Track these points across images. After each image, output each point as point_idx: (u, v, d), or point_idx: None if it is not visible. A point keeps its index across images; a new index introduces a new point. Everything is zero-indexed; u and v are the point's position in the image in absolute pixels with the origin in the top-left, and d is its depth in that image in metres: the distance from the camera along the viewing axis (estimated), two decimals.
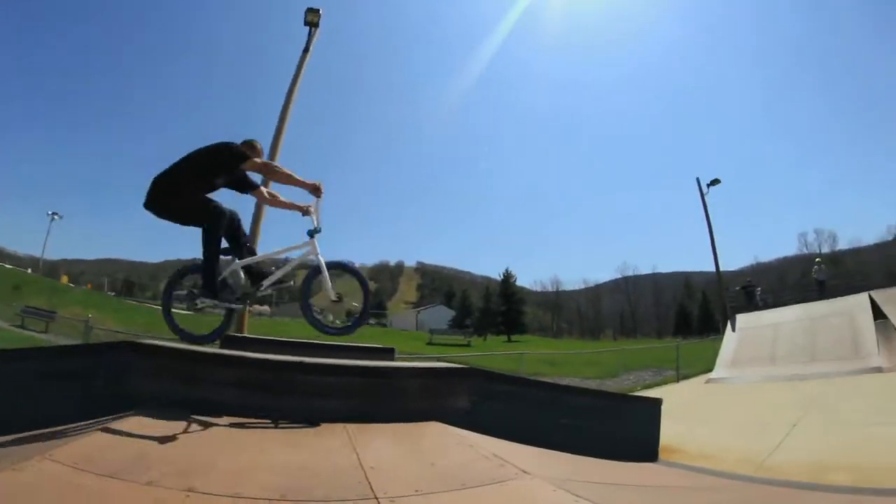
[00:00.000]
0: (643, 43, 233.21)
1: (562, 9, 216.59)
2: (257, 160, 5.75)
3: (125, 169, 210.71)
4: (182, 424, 4.36)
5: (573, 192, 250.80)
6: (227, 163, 5.67)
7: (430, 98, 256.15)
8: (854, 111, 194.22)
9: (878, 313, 19.77)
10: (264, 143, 15.47)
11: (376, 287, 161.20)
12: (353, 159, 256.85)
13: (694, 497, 5.30)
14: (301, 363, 5.75)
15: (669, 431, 9.77)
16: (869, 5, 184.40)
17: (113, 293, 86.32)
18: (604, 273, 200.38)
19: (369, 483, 3.32)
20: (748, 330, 23.72)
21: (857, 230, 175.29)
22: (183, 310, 6.41)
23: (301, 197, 6.30)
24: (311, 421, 5.05)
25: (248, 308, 5.80)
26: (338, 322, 6.49)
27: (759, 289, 31.98)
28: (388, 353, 6.89)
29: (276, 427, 4.85)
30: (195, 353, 5.67)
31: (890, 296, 20.79)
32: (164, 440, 3.89)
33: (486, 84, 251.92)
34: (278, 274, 6.15)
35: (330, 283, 5.99)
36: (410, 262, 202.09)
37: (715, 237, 31.48)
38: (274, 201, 6.49)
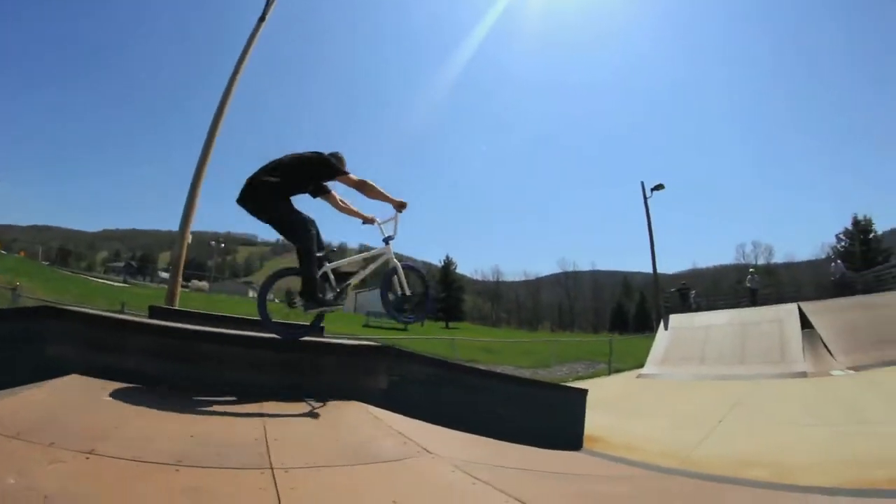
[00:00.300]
0: (600, 48, 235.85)
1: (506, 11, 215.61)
2: (353, 176, 6.04)
3: (63, 132, 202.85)
4: (96, 391, 4.38)
5: (519, 186, 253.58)
6: (323, 174, 6.10)
7: (390, 83, 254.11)
8: (801, 137, 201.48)
9: (805, 323, 20.39)
10: (209, 113, 14.88)
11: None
12: (309, 135, 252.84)
13: (606, 485, 5.43)
14: (220, 334, 5.84)
15: (598, 423, 9.95)
16: (825, 36, 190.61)
17: (47, 262, 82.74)
18: (545, 267, 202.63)
19: (269, 454, 3.36)
20: (680, 330, 24.09)
21: (793, 246, 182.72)
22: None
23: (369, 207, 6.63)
24: (228, 393, 5.11)
25: (336, 307, 6.17)
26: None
27: (693, 292, 32.49)
28: (316, 331, 6.66)
29: (190, 397, 4.83)
30: (117, 321, 5.74)
31: (817, 307, 21.50)
32: (74, 405, 3.93)
33: (443, 76, 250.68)
34: (361, 275, 6.60)
35: (405, 281, 6.39)
36: (353, 244, 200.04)
37: (655, 240, 32.02)
38: (344, 208, 6.69)
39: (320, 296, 5.93)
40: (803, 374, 17.01)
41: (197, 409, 4.49)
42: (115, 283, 58.37)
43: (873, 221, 67.49)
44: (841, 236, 70.14)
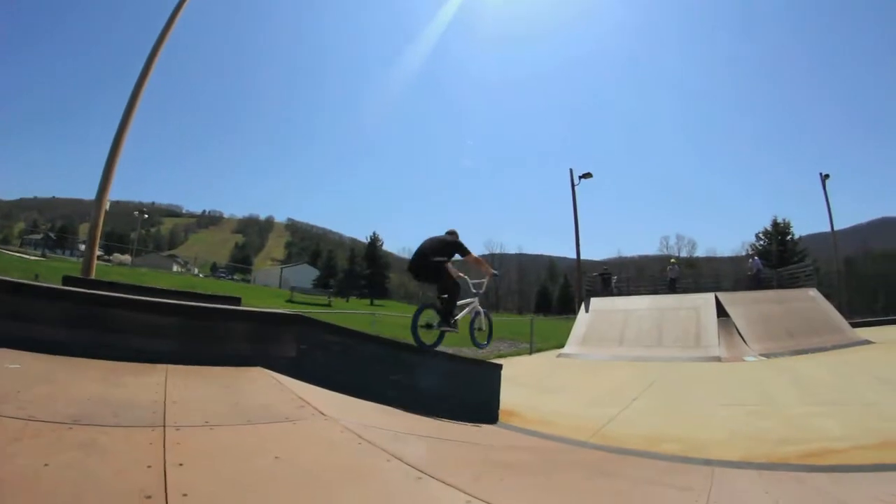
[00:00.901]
0: (536, 40, 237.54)
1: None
2: (473, 254, 8.92)
3: None
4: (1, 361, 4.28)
5: (449, 166, 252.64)
6: (459, 253, 8.77)
7: (329, 60, 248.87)
8: (731, 138, 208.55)
9: (721, 312, 21.18)
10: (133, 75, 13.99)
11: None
12: (246, 107, 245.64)
13: (512, 454, 5.58)
14: (125, 299, 5.78)
15: (516, 398, 10.24)
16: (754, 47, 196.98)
17: None
18: (472, 247, 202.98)
19: (164, 414, 3.40)
20: (601, 313, 24.42)
21: (715, 242, 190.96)
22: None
23: None
24: (133, 359, 5.10)
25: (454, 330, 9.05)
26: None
27: (615, 277, 32.82)
28: (232, 301, 6.38)
29: (95, 363, 4.79)
30: (21, 286, 5.56)
31: (733, 298, 22.39)
32: None
33: (381, 52, 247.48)
34: (465, 311, 9.10)
35: (483, 321, 9.56)
36: (281, 219, 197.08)
37: (582, 228, 32.82)
38: (457, 270, 8.97)
39: (451, 321, 8.53)
40: (718, 359, 17.77)
41: (100, 375, 4.43)
42: (32, 257, 54.86)
43: (792, 225, 70.60)
44: (760, 235, 72.74)
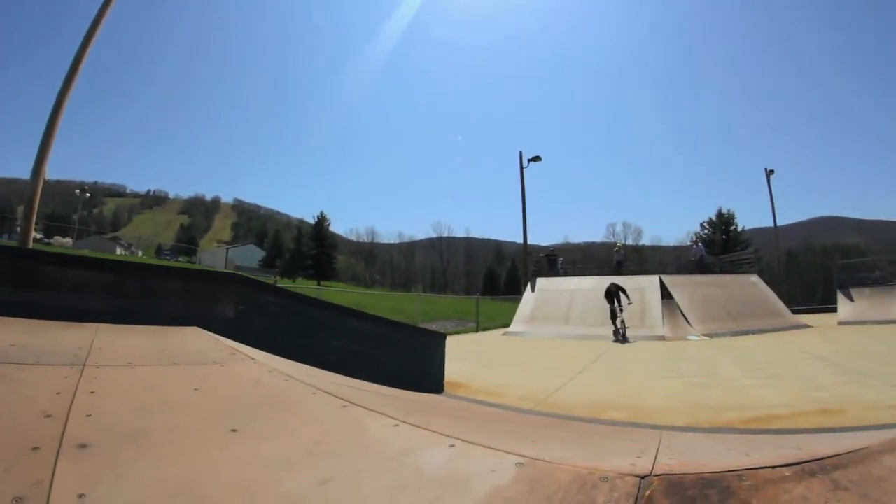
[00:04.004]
0: (504, 19, 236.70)
1: None
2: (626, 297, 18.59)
3: None
4: None
5: (400, 149, 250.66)
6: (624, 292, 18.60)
7: (281, 34, 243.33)
8: (680, 133, 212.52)
9: (665, 294, 21.59)
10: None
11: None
12: (193, 84, 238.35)
13: (449, 412, 5.02)
14: (52, 254, 6.05)
15: (462, 372, 10.30)
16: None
17: None
18: (419, 230, 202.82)
19: (87, 356, 3.28)
20: (547, 292, 24.63)
21: (661, 231, 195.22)
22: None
23: None
24: (63, 318, 4.91)
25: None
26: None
27: (561, 259, 32.89)
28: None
29: (21, 319, 4.61)
30: None
31: (677, 281, 22.95)
32: None
33: (335, 28, 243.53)
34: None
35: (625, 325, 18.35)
36: (227, 199, 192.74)
37: (530, 213, 32.86)
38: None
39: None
40: (662, 338, 18.30)
41: (23, 329, 4.27)
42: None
43: (736, 216, 72.66)
44: (705, 224, 74.64)
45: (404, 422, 2.38)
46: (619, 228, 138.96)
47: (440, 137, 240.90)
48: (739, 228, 72.22)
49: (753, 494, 1.35)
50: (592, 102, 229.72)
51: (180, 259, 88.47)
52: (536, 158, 34.18)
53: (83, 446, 1.56)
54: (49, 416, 1.87)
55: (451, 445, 2.00)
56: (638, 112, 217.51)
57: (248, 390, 3.07)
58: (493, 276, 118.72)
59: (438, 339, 9.29)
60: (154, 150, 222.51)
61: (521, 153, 34.60)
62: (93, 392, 2.27)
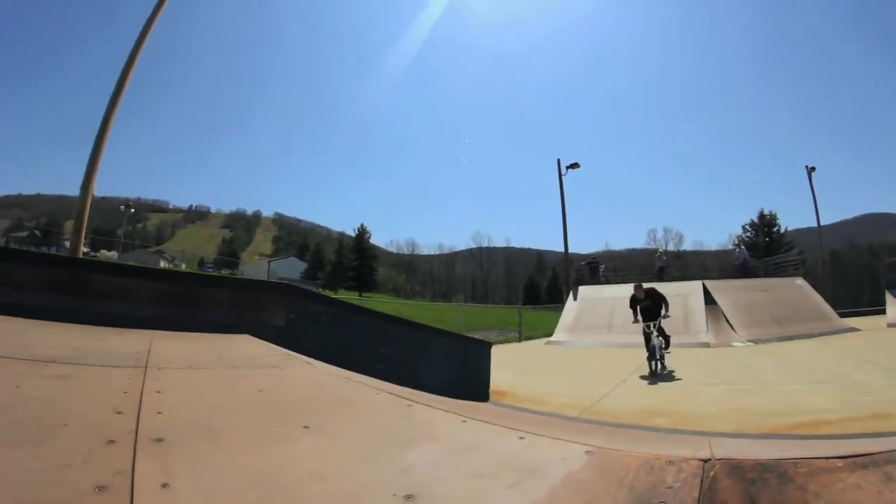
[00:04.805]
0: (534, 25, 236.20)
1: None
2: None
3: None
4: None
5: (437, 159, 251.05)
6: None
7: (322, 57, 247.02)
8: (719, 136, 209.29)
9: (709, 299, 21.03)
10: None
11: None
12: (232, 102, 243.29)
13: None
14: (109, 264, 6.16)
15: (506, 381, 10.20)
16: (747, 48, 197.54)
17: None
18: (460, 241, 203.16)
19: (147, 359, 3.36)
20: (589, 300, 24.33)
21: (702, 235, 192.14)
22: None
23: None
24: (118, 325, 5.02)
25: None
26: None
27: (602, 266, 32.50)
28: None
29: (79, 324, 4.76)
30: (4, 252, 5.77)
31: (721, 286, 22.34)
32: None
33: (371, 45, 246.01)
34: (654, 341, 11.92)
35: (662, 347, 12.10)
36: (268, 213, 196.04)
37: (570, 222, 32.40)
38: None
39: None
40: (706, 345, 17.66)
41: (80, 334, 4.37)
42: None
43: (778, 217, 71.07)
44: (747, 227, 73.08)
45: (471, 418, 2.42)
46: (660, 234, 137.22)
47: (477, 147, 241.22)
48: (782, 230, 70.55)
49: (809, 480, 1.41)
50: (628, 107, 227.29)
51: (223, 271, 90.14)
52: (574, 165, 33.75)
53: (159, 440, 1.60)
54: (120, 412, 1.93)
55: (521, 437, 2.08)
56: (674, 115, 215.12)
57: (312, 391, 3.12)
58: (533, 286, 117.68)
59: (484, 348, 9.35)
60: (195, 167, 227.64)
61: (558, 160, 34.09)
62: (159, 392, 2.34)
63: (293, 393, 3.04)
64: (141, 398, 2.20)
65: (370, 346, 7.00)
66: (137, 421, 1.81)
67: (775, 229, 69.61)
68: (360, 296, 63.65)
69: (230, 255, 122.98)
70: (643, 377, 11.04)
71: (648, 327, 12.17)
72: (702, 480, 1.37)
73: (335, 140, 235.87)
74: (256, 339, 5.26)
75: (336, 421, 2.37)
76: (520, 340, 23.42)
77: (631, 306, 12.72)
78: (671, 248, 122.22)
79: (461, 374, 8.33)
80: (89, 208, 13.24)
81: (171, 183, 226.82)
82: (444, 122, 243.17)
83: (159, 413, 1.96)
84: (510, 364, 13.71)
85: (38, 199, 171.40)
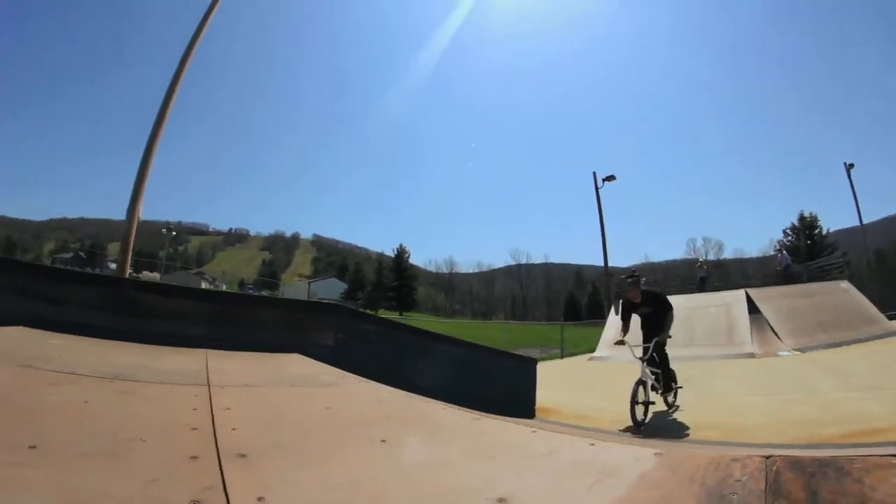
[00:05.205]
0: (564, 38, 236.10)
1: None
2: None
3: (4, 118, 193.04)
4: (41, 336, 4.46)
5: (473, 179, 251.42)
6: None
7: (353, 80, 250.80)
8: (750, 141, 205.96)
9: (752, 308, 20.49)
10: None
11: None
12: (269, 126, 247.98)
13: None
14: (164, 286, 6.22)
15: (551, 397, 10.01)
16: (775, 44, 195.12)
17: None
18: (498, 258, 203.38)
19: (207, 376, 3.44)
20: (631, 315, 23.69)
21: (742, 242, 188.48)
22: None
23: None
24: (171, 344, 5.15)
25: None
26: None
27: (643, 279, 31.84)
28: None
29: (134, 342, 4.91)
30: (58, 272, 5.95)
31: (764, 293, 21.72)
32: (17, 341, 4.03)
33: (402, 67, 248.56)
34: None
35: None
36: (307, 235, 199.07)
37: (608, 235, 32.10)
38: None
39: None
40: (751, 355, 17.20)
41: (137, 351, 4.50)
42: None
43: (819, 219, 69.72)
44: (788, 231, 71.81)
45: (540, 429, 2.50)
46: (699, 243, 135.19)
47: (513, 163, 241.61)
48: (824, 232, 69.14)
49: (865, 474, 1.48)
50: (659, 116, 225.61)
51: (263, 292, 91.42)
52: (611, 178, 33.72)
53: (242, 455, 1.62)
54: (195, 428, 1.96)
55: (592, 444, 2.16)
56: (707, 122, 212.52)
57: (378, 407, 3.15)
58: (573, 301, 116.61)
59: (529, 364, 9.39)
60: (234, 190, 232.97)
61: (594, 174, 34.07)
62: (228, 409, 2.36)
63: (360, 409, 3.07)
64: (212, 415, 2.23)
65: (418, 365, 7.06)
66: (215, 437, 1.84)
67: (816, 231, 68.21)
68: (401, 315, 64.01)
69: (270, 276, 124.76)
70: (624, 430, 7.67)
71: (645, 352, 8.25)
72: (766, 474, 1.49)
73: (370, 162, 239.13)
74: (307, 359, 5.34)
75: (411, 434, 2.43)
76: (562, 357, 23.24)
77: (622, 316, 8.85)
78: (711, 257, 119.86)
79: (507, 391, 8.39)
80: (136, 224, 13.85)
81: (211, 206, 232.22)
82: (478, 141, 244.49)
83: (234, 429, 1.98)
84: (553, 381, 13.60)
85: (82, 222, 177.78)
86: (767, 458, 1.57)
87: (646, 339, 8.42)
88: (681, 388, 9.10)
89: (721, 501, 1.39)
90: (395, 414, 2.99)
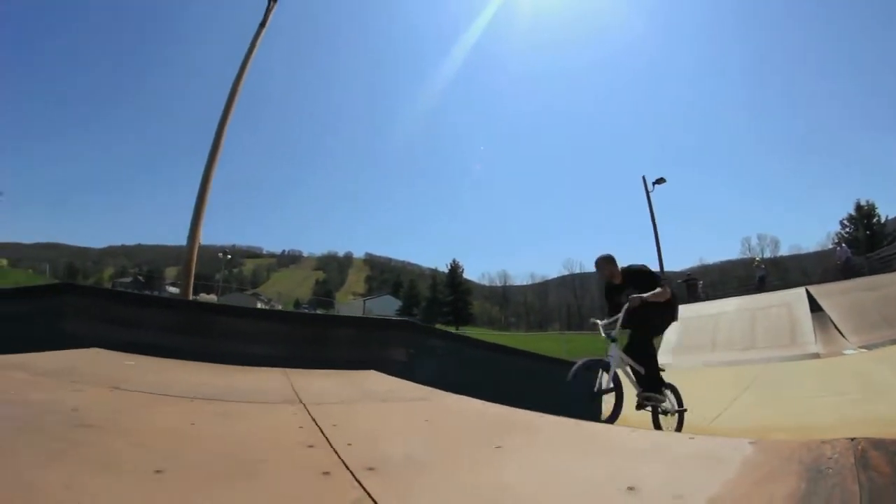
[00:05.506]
0: (602, 42, 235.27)
1: (530, 9, 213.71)
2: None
3: (65, 152, 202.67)
4: (118, 357, 4.52)
5: (523, 190, 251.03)
6: None
7: (395, 94, 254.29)
8: (802, 133, 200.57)
9: (814, 306, 19.96)
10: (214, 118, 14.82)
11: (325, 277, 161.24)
12: (311, 151, 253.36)
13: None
14: (234, 308, 6.33)
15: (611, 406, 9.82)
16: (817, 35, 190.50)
17: (56, 280, 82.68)
18: (551, 269, 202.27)
19: (296, 394, 3.45)
20: (690, 320, 23.12)
21: (799, 237, 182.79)
22: None
23: None
24: (246, 363, 5.24)
25: None
26: None
27: (700, 282, 32.10)
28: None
29: (211, 364, 4.98)
30: (134, 297, 6.22)
31: (826, 290, 21.22)
32: (97, 362, 4.05)
33: (440, 76, 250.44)
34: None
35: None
36: (359, 254, 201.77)
37: (661, 238, 31.61)
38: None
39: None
40: (816, 356, 16.69)
41: (215, 372, 4.58)
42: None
43: (876, 206, 67.90)
44: (845, 222, 70.07)
45: (636, 430, 2.65)
46: (754, 242, 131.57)
47: (561, 174, 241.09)
48: (882, 220, 67.10)
49: None
50: (701, 115, 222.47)
51: (318, 311, 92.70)
52: (661, 181, 33.08)
53: (371, 469, 1.62)
54: (311, 445, 1.96)
55: (691, 438, 2.31)
56: (753, 115, 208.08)
57: (477, 417, 3.15)
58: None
59: (596, 373, 9.51)
60: (286, 213, 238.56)
61: (643, 178, 33.46)
62: (335, 425, 2.34)
63: (460, 420, 3.09)
64: (321, 432, 2.22)
65: (491, 377, 7.04)
66: (336, 453, 1.84)
67: (875, 220, 66.11)
68: (457, 329, 64.38)
69: (325, 295, 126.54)
70: None
71: (612, 326, 6.54)
72: (854, 452, 1.72)
73: (418, 178, 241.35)
74: (384, 375, 5.36)
75: (522, 439, 2.46)
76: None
77: (606, 296, 7.23)
78: (767, 254, 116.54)
79: (580, 400, 8.53)
80: (195, 257, 14.54)
81: (264, 230, 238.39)
82: (523, 150, 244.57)
83: (350, 445, 1.97)
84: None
85: (139, 248, 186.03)
86: (852, 440, 1.79)
87: (633, 333, 6.71)
88: (686, 410, 7.18)
89: (818, 474, 1.58)
90: (497, 422, 3.02)
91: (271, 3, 16.97)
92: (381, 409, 3.38)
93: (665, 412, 6.74)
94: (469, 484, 1.69)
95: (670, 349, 21.77)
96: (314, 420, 2.49)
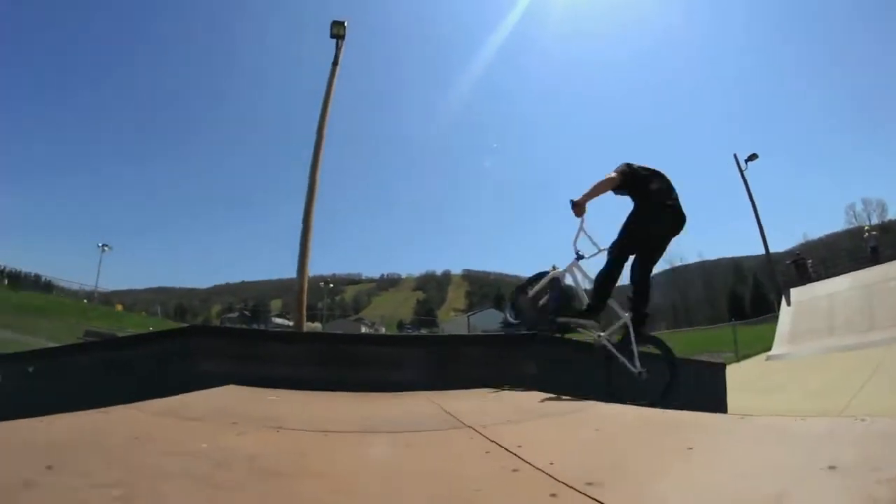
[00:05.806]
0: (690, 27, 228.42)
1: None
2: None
3: (170, 203, 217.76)
4: (259, 393, 4.63)
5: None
6: None
7: (467, 111, 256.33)
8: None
9: None
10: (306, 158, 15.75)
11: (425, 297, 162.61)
12: (397, 174, 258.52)
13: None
14: (368, 335, 6.08)
15: (737, 403, 9.47)
16: None
17: (168, 320, 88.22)
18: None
19: (455, 418, 3.39)
20: (803, 303, 22.59)
21: None
22: None
23: None
24: (380, 390, 5.23)
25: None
26: None
27: (809, 261, 30.42)
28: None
29: (350, 393, 4.99)
30: (262, 333, 6.19)
31: None
32: (244, 400, 4.16)
33: (527, 91, 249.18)
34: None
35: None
36: (457, 271, 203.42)
37: (760, 214, 30.89)
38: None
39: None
40: None
41: (364, 400, 4.64)
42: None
43: None
44: None
45: (798, 418, 2.65)
46: (858, 208, 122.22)
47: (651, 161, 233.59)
48: None
49: None
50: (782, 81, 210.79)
51: (422, 331, 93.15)
52: (753, 157, 31.87)
53: (590, 484, 1.61)
54: (515, 470, 1.93)
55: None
56: (834, 72, 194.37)
57: (641, 423, 3.13)
58: (736, 298, 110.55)
59: (718, 370, 9.15)
60: (381, 238, 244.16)
61: (735, 156, 32.40)
62: (520, 446, 2.30)
63: (628, 427, 3.06)
64: (516, 454, 2.18)
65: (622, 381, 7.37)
66: (547, 474, 1.81)
67: None
68: (564, 336, 63.35)
69: (426, 314, 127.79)
70: None
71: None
72: None
73: (504, 190, 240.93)
74: (520, 391, 5.31)
75: (707, 439, 2.51)
76: (738, 360, 22.34)
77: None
78: (875, 220, 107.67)
79: (698, 397, 8.62)
80: (302, 288, 15.52)
81: (361, 256, 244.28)
82: (604, 144, 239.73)
83: (551, 463, 1.92)
84: (735, 386, 12.74)
85: (243, 285, 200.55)
86: None
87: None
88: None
89: None
90: (664, 425, 3.01)
91: (339, 41, 17.43)
92: (546, 424, 3.33)
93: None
94: (691, 487, 1.71)
95: (785, 338, 20.96)
96: (496, 443, 2.44)
